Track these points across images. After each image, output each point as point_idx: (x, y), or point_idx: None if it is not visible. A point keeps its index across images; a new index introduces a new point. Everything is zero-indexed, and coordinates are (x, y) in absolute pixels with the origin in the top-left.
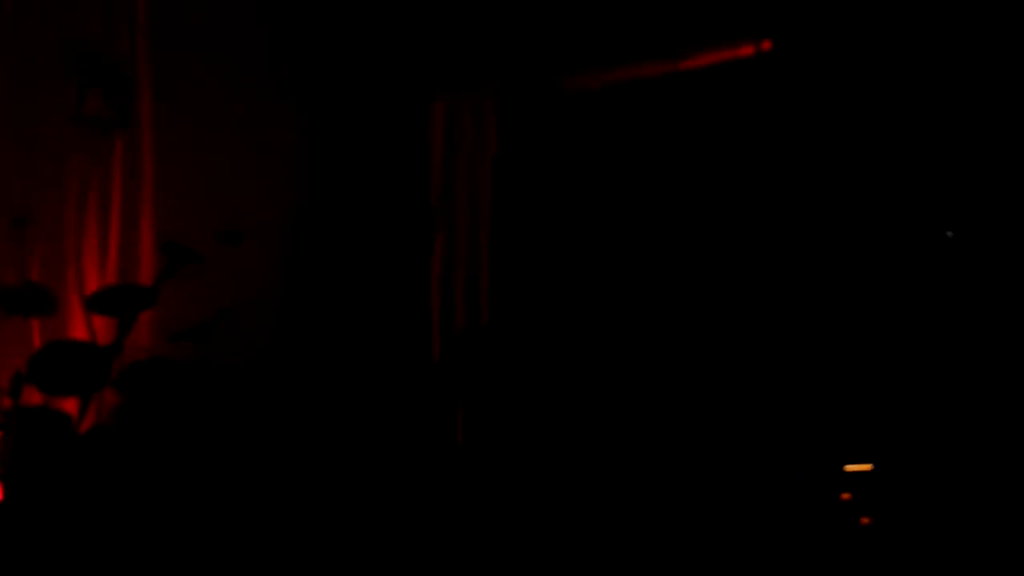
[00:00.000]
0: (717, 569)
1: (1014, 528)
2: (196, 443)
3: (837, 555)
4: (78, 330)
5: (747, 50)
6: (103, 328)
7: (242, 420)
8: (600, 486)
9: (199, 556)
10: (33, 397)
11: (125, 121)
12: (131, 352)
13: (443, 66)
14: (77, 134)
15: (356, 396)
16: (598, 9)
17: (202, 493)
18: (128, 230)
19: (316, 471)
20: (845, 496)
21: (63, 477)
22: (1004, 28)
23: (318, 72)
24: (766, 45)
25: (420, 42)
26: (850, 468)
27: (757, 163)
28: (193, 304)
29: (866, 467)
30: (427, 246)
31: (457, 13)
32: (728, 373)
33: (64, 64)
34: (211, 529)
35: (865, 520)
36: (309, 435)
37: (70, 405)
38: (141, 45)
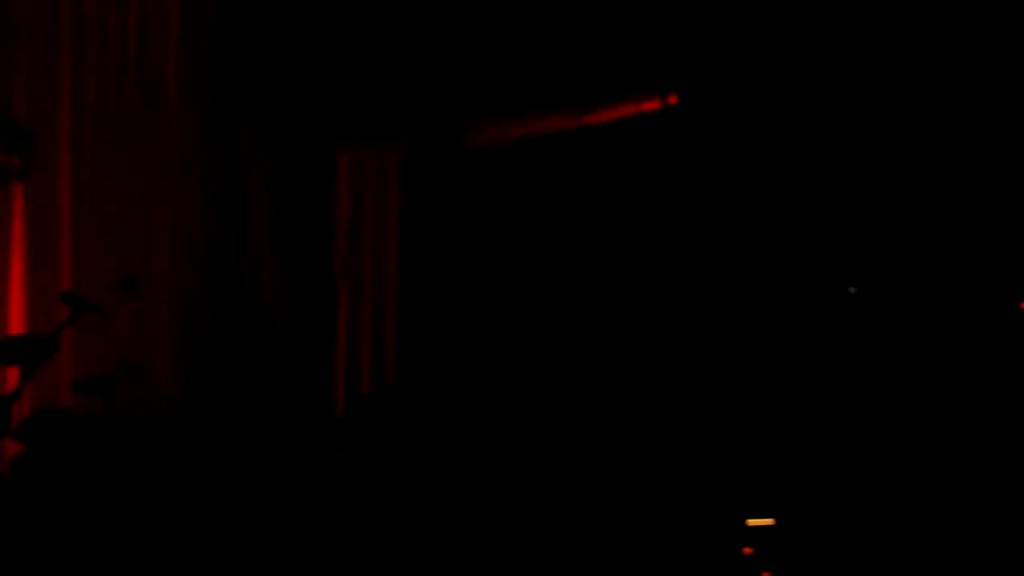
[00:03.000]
0: None
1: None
2: (95, 496)
3: None
4: None
5: (653, 104)
6: (8, 377)
7: (142, 474)
8: (500, 544)
9: None
10: None
11: (26, 171)
12: (35, 403)
13: (347, 120)
14: None
15: (256, 454)
16: (501, 65)
17: (99, 546)
18: (31, 281)
19: (212, 525)
20: (747, 551)
21: None
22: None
23: (226, 124)
24: (672, 99)
25: (324, 99)
26: (752, 523)
27: (664, 212)
28: (97, 355)
29: (768, 522)
30: (331, 300)
31: (359, 69)
32: (630, 425)
33: None
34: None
35: (766, 575)
36: (208, 490)
37: None
38: (60, 107)
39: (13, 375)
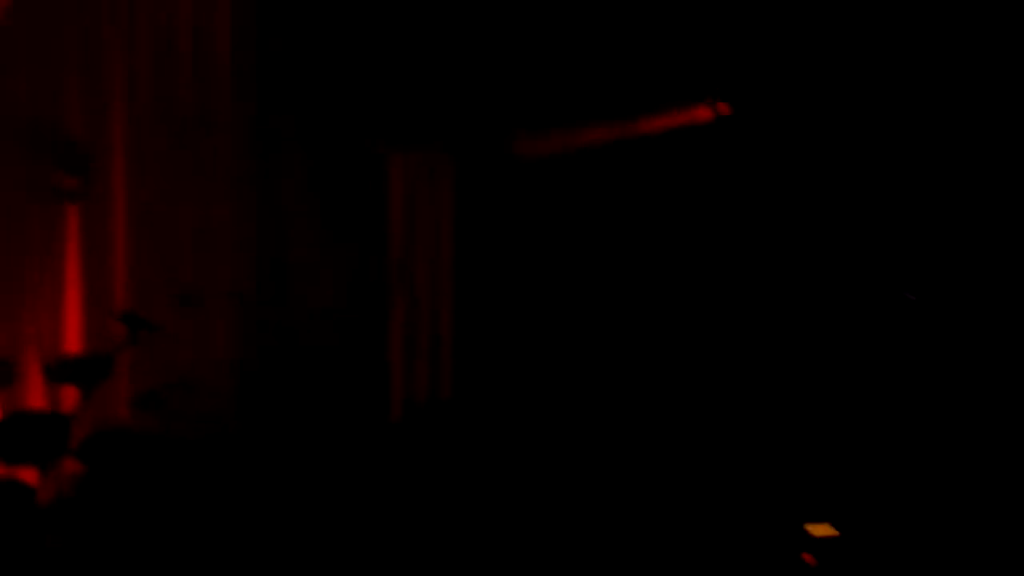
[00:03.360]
0: None
1: None
2: (156, 512)
3: None
4: (40, 399)
5: (705, 113)
6: (68, 395)
7: (203, 488)
8: (554, 554)
9: None
10: None
11: (84, 192)
12: (94, 420)
13: (400, 129)
14: (35, 206)
15: (313, 466)
16: (554, 74)
17: (161, 563)
18: (88, 300)
19: (273, 539)
20: (807, 558)
21: (24, 548)
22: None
23: (278, 136)
24: (723, 108)
25: (379, 108)
26: (812, 530)
27: (717, 221)
28: (154, 371)
29: (832, 532)
30: (386, 309)
31: (414, 77)
32: (693, 431)
33: (25, 140)
34: None
35: None
36: (268, 502)
37: (31, 474)
38: (112, 125)
39: (70, 392)
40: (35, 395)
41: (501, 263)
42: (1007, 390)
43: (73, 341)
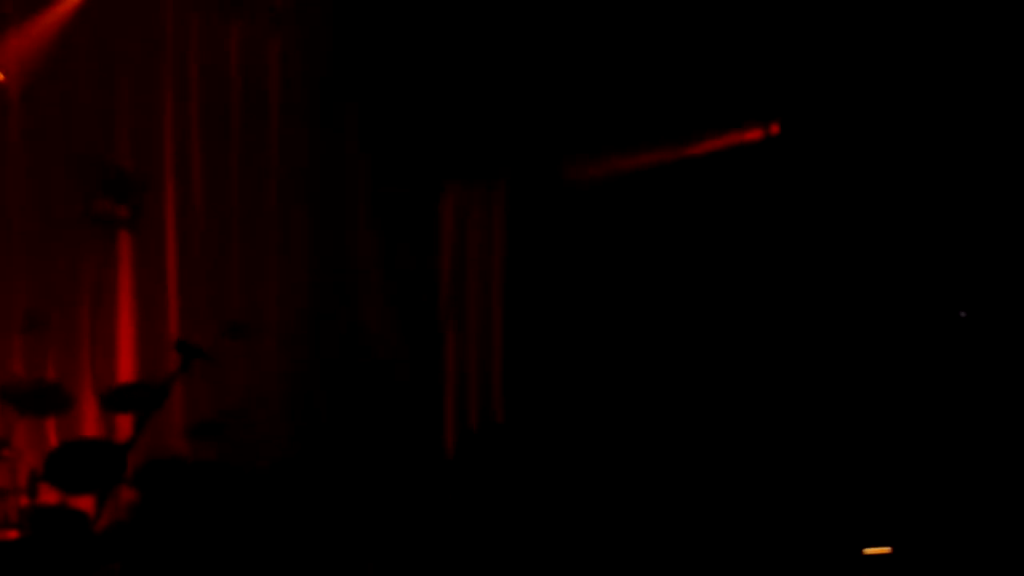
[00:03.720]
0: None
1: None
2: (212, 541)
3: None
4: (94, 427)
5: (755, 134)
6: (121, 424)
7: (257, 519)
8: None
9: None
10: (49, 496)
11: (134, 221)
12: (149, 449)
13: (452, 158)
14: (88, 235)
15: (369, 495)
16: (603, 99)
17: None
18: (142, 328)
19: (325, 566)
20: None
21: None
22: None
23: (324, 166)
24: (775, 128)
25: (430, 138)
26: (869, 551)
27: (770, 242)
28: (210, 400)
29: (885, 550)
30: (438, 335)
31: (465, 107)
32: (742, 456)
33: (76, 171)
34: None
35: None
36: (323, 534)
37: (86, 502)
38: (164, 153)
39: (125, 421)
40: (90, 424)
41: (552, 288)
42: None
43: (127, 370)
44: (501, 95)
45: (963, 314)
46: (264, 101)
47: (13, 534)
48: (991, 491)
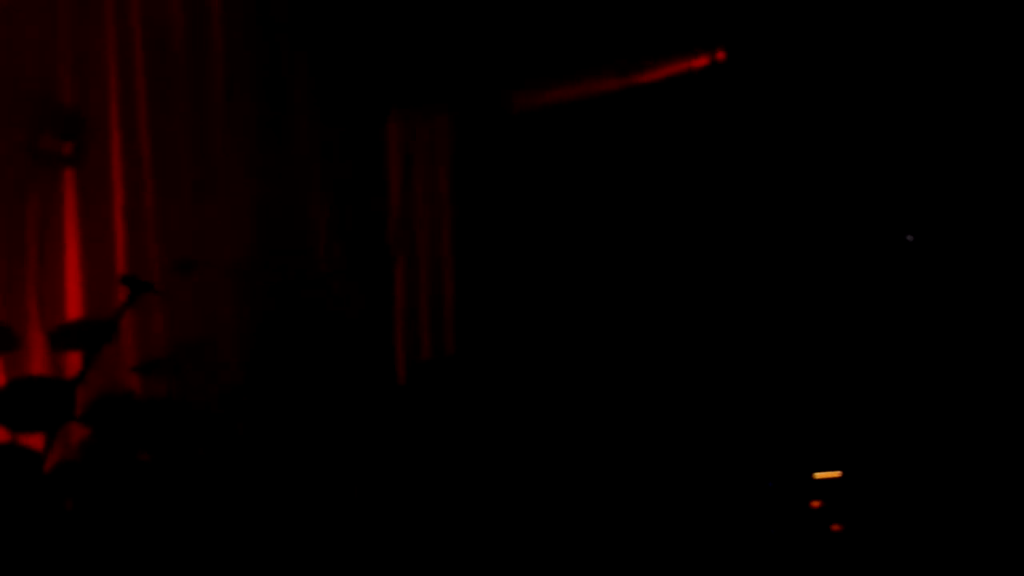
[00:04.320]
0: None
1: (987, 534)
2: (162, 478)
3: (809, 564)
4: (43, 366)
5: (701, 61)
6: (70, 362)
7: (208, 454)
8: (569, 506)
9: None
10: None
11: (79, 157)
12: (97, 386)
13: (395, 87)
14: (32, 172)
15: (321, 429)
16: (549, 26)
17: (168, 529)
18: (89, 265)
19: (281, 504)
20: (815, 504)
21: (30, 514)
22: (951, 32)
23: (272, 96)
24: (720, 55)
25: (373, 66)
26: (820, 475)
27: (717, 170)
28: (158, 336)
29: (835, 474)
30: (388, 268)
31: (405, 35)
32: (697, 381)
33: (18, 108)
34: (176, 567)
35: (836, 527)
36: (274, 467)
37: (36, 441)
38: (108, 88)
39: (75, 359)
40: (38, 362)
41: (500, 218)
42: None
43: (74, 307)
44: (444, 21)
45: (910, 238)
46: (208, 33)
47: None
48: (942, 412)
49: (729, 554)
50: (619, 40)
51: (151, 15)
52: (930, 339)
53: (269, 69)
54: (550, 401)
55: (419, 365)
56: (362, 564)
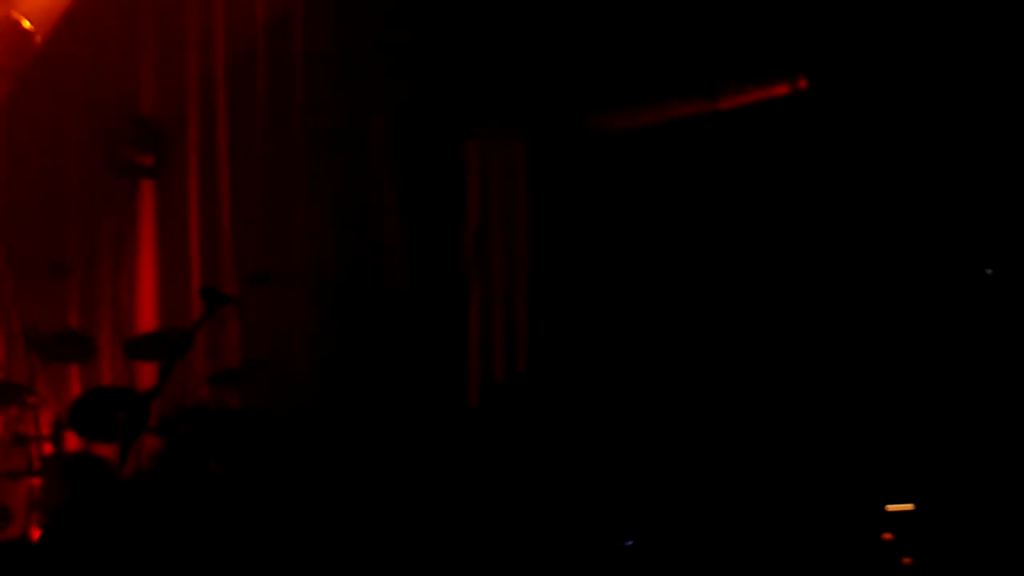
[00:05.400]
0: None
1: None
2: (236, 489)
3: None
4: (116, 376)
5: (782, 88)
6: (143, 372)
7: (282, 466)
8: (641, 535)
9: None
10: (73, 443)
11: (158, 170)
12: (171, 398)
13: (475, 111)
14: (112, 184)
15: (393, 443)
16: (629, 51)
17: (243, 539)
18: (164, 277)
19: (353, 520)
20: (887, 536)
21: (104, 523)
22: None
23: (351, 115)
24: (802, 83)
25: (453, 90)
26: (892, 508)
27: (799, 196)
28: (232, 348)
29: (908, 507)
30: (463, 288)
31: (488, 59)
32: (776, 408)
33: (100, 120)
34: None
35: (907, 560)
36: (346, 483)
37: (109, 450)
38: (188, 102)
39: (147, 370)
40: (112, 372)
41: (577, 240)
42: None
43: (149, 319)
44: (527, 44)
45: (990, 272)
46: (290, 49)
47: (37, 481)
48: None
49: None
50: (699, 66)
51: (232, 37)
52: (1008, 376)
53: (348, 88)
54: (621, 422)
55: (492, 385)
56: None
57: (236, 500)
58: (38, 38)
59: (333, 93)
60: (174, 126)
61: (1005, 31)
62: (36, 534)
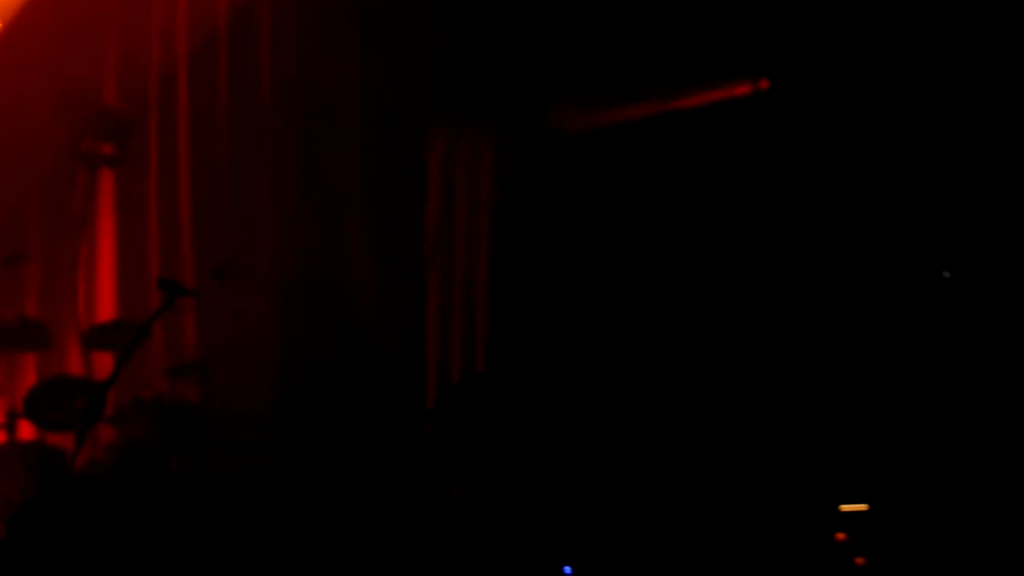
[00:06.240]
0: None
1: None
2: (191, 480)
3: None
4: (74, 365)
5: (744, 88)
6: (101, 363)
7: (235, 461)
8: (596, 531)
9: None
10: (28, 432)
11: (119, 159)
12: (126, 387)
13: (440, 103)
14: (72, 173)
15: (348, 443)
16: (592, 51)
17: (197, 532)
18: (124, 267)
19: (305, 514)
20: (840, 536)
21: (58, 513)
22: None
23: (314, 108)
24: (764, 83)
25: (415, 86)
26: (846, 508)
27: (757, 196)
28: (190, 341)
29: (861, 507)
30: (422, 284)
31: (451, 55)
32: (729, 408)
33: (62, 109)
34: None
35: (860, 560)
36: (300, 479)
37: (65, 439)
38: (150, 92)
39: (105, 360)
40: (70, 362)
41: (537, 237)
42: None
43: (108, 309)
44: (491, 39)
45: (947, 274)
46: (252, 45)
47: None
48: (972, 451)
49: None
50: (661, 66)
51: (196, 27)
52: (959, 373)
53: (312, 82)
54: (579, 422)
55: (449, 382)
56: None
57: (194, 496)
58: (0, 24)
59: (296, 86)
60: (136, 116)
61: (967, 27)
62: None
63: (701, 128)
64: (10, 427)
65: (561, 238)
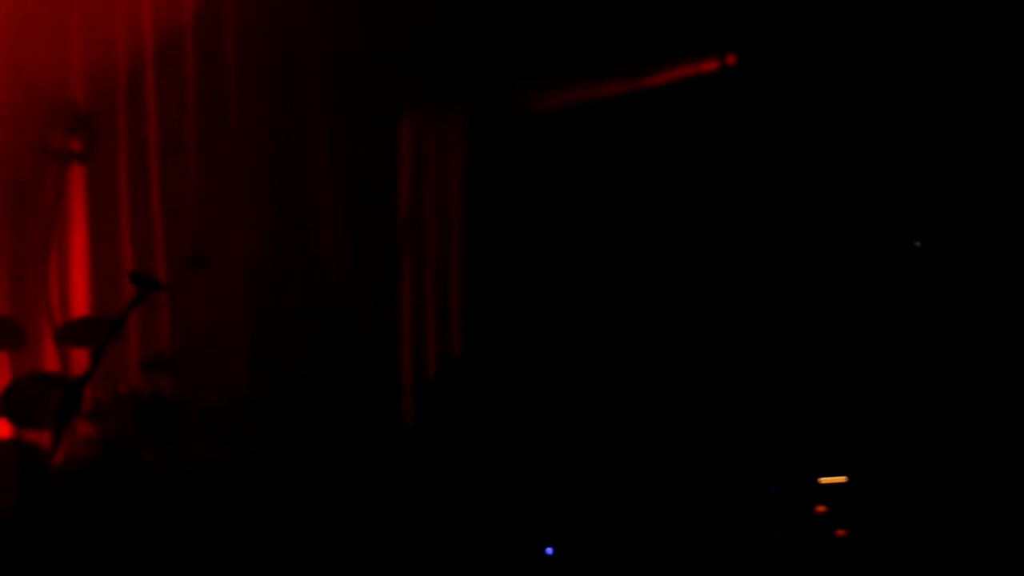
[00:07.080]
0: None
1: (995, 539)
2: (167, 473)
3: (813, 568)
4: (49, 362)
5: (711, 65)
6: (77, 359)
7: (211, 453)
8: (579, 514)
9: None
10: (5, 430)
11: (89, 156)
12: (102, 382)
13: (410, 85)
14: (41, 168)
15: (323, 430)
16: (560, 28)
17: (174, 528)
18: (96, 262)
19: (283, 505)
20: (820, 509)
21: (36, 510)
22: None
23: (284, 94)
24: (731, 59)
25: (385, 65)
26: (825, 480)
27: (726, 172)
28: (165, 334)
29: (841, 479)
30: (395, 269)
31: (421, 32)
32: (703, 383)
33: (30, 104)
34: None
35: (841, 532)
36: (277, 467)
37: (42, 436)
38: (117, 86)
39: (81, 355)
40: (45, 358)
41: (509, 220)
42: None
43: (81, 305)
44: (458, 20)
45: (918, 244)
46: (219, 33)
47: None
48: (950, 422)
49: (734, 558)
50: (628, 43)
51: (162, 19)
52: (935, 343)
53: (281, 68)
54: (555, 404)
55: (424, 366)
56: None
57: (170, 491)
58: None
59: (265, 75)
60: (103, 110)
61: (936, 3)
62: None
63: (670, 105)
64: None
65: (533, 218)
